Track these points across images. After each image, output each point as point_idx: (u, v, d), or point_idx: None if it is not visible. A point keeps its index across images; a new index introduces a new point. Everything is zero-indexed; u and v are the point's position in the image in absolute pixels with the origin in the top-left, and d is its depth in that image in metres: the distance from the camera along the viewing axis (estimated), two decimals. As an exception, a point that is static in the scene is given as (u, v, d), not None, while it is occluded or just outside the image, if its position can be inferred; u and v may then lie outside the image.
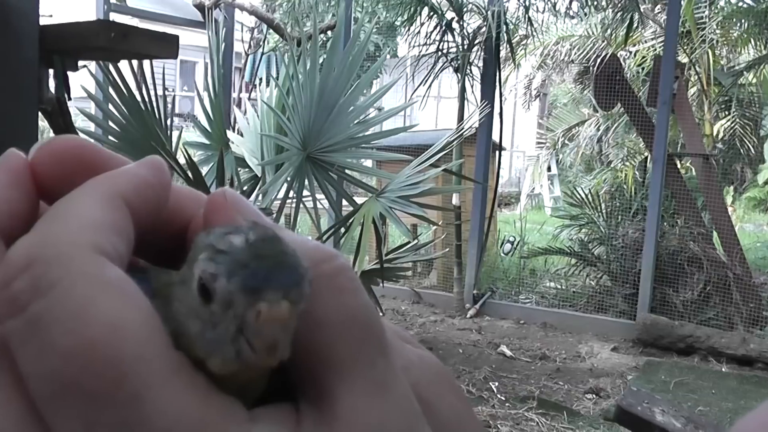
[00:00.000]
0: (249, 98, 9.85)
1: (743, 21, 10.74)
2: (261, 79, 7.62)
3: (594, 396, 5.77)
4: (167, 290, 0.32)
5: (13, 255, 0.31)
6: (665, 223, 7.86)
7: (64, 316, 0.29)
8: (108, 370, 0.28)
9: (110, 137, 4.61)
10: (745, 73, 11.01)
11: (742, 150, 11.34)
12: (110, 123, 4.57)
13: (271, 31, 10.13)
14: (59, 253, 0.30)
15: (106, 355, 0.29)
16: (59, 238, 0.31)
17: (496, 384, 5.86)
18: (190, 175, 4.23)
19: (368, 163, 7.07)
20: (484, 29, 7.89)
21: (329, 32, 9.16)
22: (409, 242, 5.71)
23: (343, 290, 0.34)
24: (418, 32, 8.13)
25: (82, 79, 4.00)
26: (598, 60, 8.91)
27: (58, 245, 0.31)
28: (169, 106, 4.83)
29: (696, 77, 10.98)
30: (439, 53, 8.02)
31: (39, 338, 0.29)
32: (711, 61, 10.86)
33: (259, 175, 5.23)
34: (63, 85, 2.91)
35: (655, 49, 11.19)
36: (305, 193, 4.88)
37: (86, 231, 0.31)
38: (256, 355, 0.29)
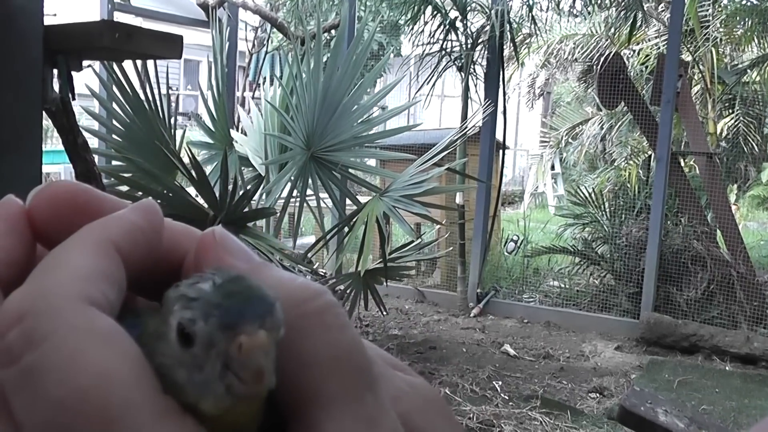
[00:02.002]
0: (253, 97, 9.85)
1: (747, 19, 10.73)
2: (265, 79, 7.62)
3: (598, 395, 5.77)
4: (152, 340, 0.33)
5: (7, 307, 0.32)
6: (669, 222, 7.85)
7: (55, 367, 0.30)
8: (98, 418, 0.29)
9: (114, 136, 4.62)
10: (748, 71, 10.98)
11: (745, 148, 11.31)
12: (114, 122, 4.58)
13: (274, 30, 10.13)
14: (50, 306, 0.32)
15: (96, 403, 0.30)
16: (50, 290, 0.32)
17: (500, 383, 5.86)
18: (193, 174, 4.24)
19: (372, 162, 7.07)
20: (487, 28, 7.89)
21: (333, 31, 9.17)
22: (412, 241, 5.71)
23: (330, 327, 0.35)
24: (422, 31, 8.13)
25: (87, 77, 4.00)
26: (602, 58, 8.87)
27: (49, 297, 0.32)
28: (173, 105, 4.84)
29: (699, 75, 10.96)
30: (443, 52, 8.02)
31: (32, 388, 0.30)
32: (714, 60, 10.85)
33: (263, 175, 5.23)
34: (67, 85, 2.91)
35: (659, 48, 11.18)
36: (309, 192, 4.89)
37: (76, 282, 0.33)
38: (246, 386, 0.31)
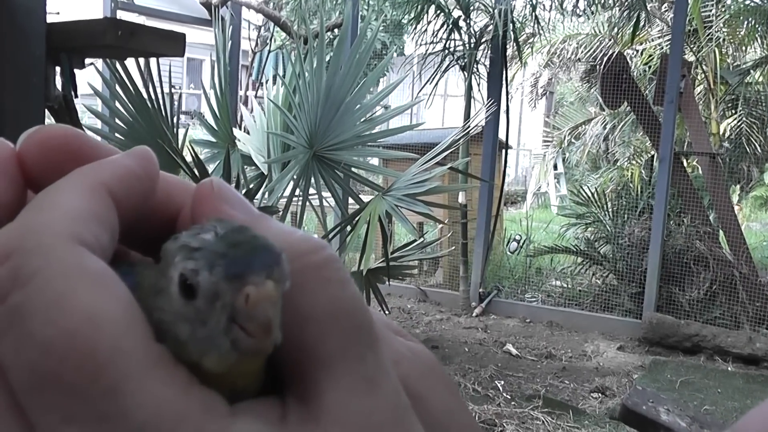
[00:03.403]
0: (255, 96, 9.86)
1: (750, 19, 10.72)
2: (268, 78, 7.63)
3: (600, 395, 5.76)
4: (150, 295, 0.32)
5: None
6: (671, 222, 7.85)
7: (42, 306, 0.29)
8: (86, 362, 0.28)
9: (117, 134, 4.62)
10: (751, 71, 10.99)
11: (748, 149, 11.31)
12: (117, 120, 4.58)
13: (277, 28, 10.13)
14: (39, 244, 0.30)
15: (83, 347, 0.28)
16: (40, 228, 0.31)
17: (502, 382, 5.86)
18: (196, 172, 4.24)
19: (374, 161, 7.07)
20: (490, 27, 7.89)
21: (336, 30, 9.17)
22: (415, 240, 5.71)
23: (330, 281, 0.33)
24: (425, 30, 8.12)
25: (89, 76, 4.01)
26: (605, 58, 8.88)
27: (38, 235, 0.30)
28: (176, 103, 4.84)
29: (702, 76, 10.95)
30: (446, 51, 8.01)
31: (18, 329, 0.29)
32: (718, 60, 10.84)
33: (266, 173, 5.23)
34: (70, 82, 2.91)
35: (662, 48, 11.17)
36: (311, 191, 4.88)
37: (67, 221, 0.31)
38: (253, 339, 0.30)
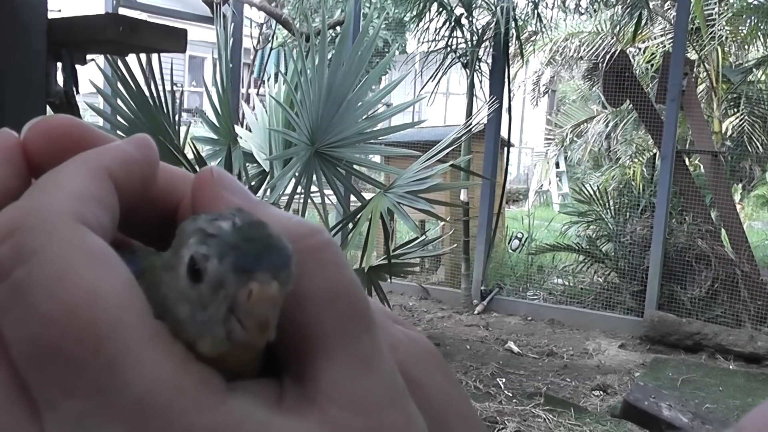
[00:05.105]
0: (257, 94, 9.85)
1: (753, 18, 10.71)
2: (270, 75, 7.62)
3: (601, 393, 5.76)
4: (155, 273, 0.33)
5: None
6: (673, 220, 7.84)
7: (44, 281, 0.30)
8: (86, 335, 0.29)
9: (118, 132, 4.62)
10: (754, 70, 10.98)
11: (750, 147, 11.29)
12: (119, 118, 4.58)
13: (279, 26, 10.13)
14: (42, 222, 0.31)
15: (84, 320, 0.29)
16: (42, 207, 0.32)
17: (504, 380, 5.86)
18: (198, 170, 4.24)
19: (376, 158, 7.07)
20: (493, 25, 7.88)
21: (338, 28, 9.17)
22: (416, 238, 5.71)
23: (326, 264, 0.34)
24: (427, 28, 8.12)
25: (91, 73, 4.01)
26: (607, 56, 8.87)
27: (40, 214, 0.31)
28: (178, 101, 4.84)
29: (705, 74, 10.94)
30: (448, 49, 8.01)
31: (20, 304, 0.30)
32: (720, 58, 10.82)
33: (267, 170, 5.23)
34: (71, 78, 2.91)
35: (664, 46, 11.16)
36: (313, 188, 4.88)
37: (69, 201, 0.32)
38: (247, 334, 0.30)
